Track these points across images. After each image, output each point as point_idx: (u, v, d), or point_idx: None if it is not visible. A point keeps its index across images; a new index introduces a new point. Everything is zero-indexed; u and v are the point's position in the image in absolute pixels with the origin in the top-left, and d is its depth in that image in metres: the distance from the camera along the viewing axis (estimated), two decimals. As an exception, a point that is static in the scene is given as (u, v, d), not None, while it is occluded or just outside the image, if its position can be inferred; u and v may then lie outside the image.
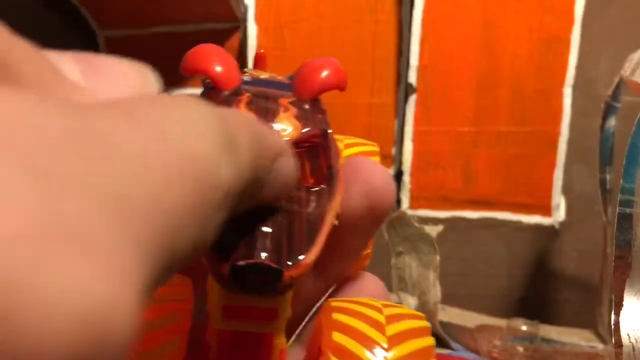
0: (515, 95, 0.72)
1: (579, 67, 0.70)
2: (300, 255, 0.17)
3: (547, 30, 0.70)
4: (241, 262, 0.17)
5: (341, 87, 0.23)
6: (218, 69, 0.21)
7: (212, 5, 0.76)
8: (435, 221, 0.74)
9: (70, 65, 0.12)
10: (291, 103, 0.21)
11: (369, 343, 0.18)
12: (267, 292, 0.17)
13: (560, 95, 0.71)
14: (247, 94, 0.21)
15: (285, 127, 0.20)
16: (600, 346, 0.61)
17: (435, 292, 0.63)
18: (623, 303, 0.32)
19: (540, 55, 0.71)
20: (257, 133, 0.13)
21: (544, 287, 0.74)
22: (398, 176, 0.76)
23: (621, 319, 0.32)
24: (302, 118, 0.20)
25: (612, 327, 0.32)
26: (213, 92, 0.21)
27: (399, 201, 0.76)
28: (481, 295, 0.75)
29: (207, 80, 0.22)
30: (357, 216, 0.20)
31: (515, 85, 0.72)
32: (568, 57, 0.70)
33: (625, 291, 0.32)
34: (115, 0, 0.78)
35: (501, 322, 0.65)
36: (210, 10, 0.77)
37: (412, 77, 0.74)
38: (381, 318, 0.19)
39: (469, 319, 0.68)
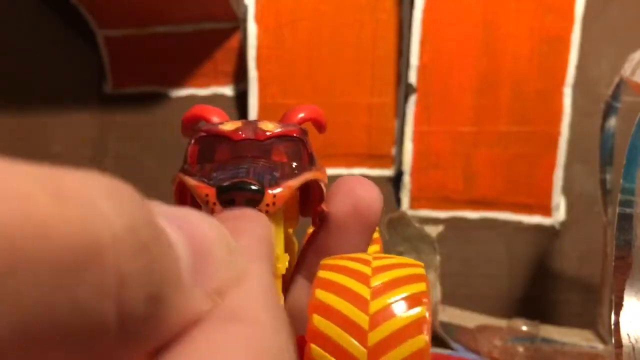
0: (516, 95, 0.72)
1: (580, 67, 0.70)
2: (281, 183, 0.21)
3: (548, 30, 0.70)
4: (226, 183, 0.20)
5: (318, 122, 0.28)
6: (214, 117, 0.25)
7: (211, 4, 0.76)
8: (435, 221, 0.74)
9: (181, 247, 0.12)
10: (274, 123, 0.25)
11: (350, 296, 0.18)
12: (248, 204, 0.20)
13: (560, 95, 0.71)
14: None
15: (267, 124, 0.24)
16: (600, 346, 0.61)
17: (436, 292, 0.63)
18: (623, 303, 0.32)
19: (541, 55, 0.71)
20: None
21: (544, 287, 0.74)
22: (398, 176, 0.76)
23: (621, 319, 0.32)
24: (281, 125, 0.25)
25: (613, 327, 0.32)
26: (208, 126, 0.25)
27: (399, 201, 0.76)
28: (481, 296, 0.75)
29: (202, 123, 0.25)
30: (343, 222, 0.23)
31: (515, 85, 0.72)
32: (568, 56, 0.70)
33: (625, 291, 0.32)
34: (115, 0, 0.78)
35: (501, 323, 0.65)
36: (210, 9, 0.77)
37: (412, 77, 0.74)
38: (368, 270, 0.19)
39: (469, 319, 0.68)
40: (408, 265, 0.20)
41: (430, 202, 0.75)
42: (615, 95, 0.57)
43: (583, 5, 0.69)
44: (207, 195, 0.20)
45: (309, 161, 0.23)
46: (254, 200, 0.20)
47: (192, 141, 0.23)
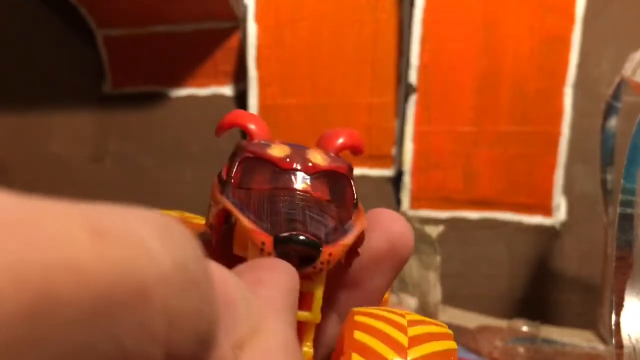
0: (516, 95, 0.72)
1: (580, 67, 0.70)
2: (337, 239, 0.20)
3: (548, 29, 0.70)
4: (285, 234, 0.19)
5: (358, 149, 0.26)
6: (252, 125, 0.24)
7: (211, 4, 0.76)
8: (435, 221, 0.74)
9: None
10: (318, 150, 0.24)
11: (390, 342, 0.19)
12: (305, 266, 0.19)
13: (561, 95, 0.71)
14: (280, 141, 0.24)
15: (316, 156, 0.23)
16: (601, 347, 0.61)
17: (436, 292, 0.62)
18: (624, 304, 0.32)
19: (541, 54, 0.71)
20: None
21: (545, 287, 0.74)
22: (398, 176, 0.76)
23: (622, 319, 0.32)
24: (329, 156, 0.24)
25: (613, 327, 0.32)
26: (249, 143, 0.24)
27: (399, 201, 0.76)
28: (482, 296, 0.75)
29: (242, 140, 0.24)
30: (378, 258, 0.22)
31: (516, 84, 0.72)
32: (569, 56, 0.70)
33: (626, 292, 0.32)
34: (114, 0, 0.78)
35: (502, 323, 0.65)
36: (210, 9, 0.77)
37: (413, 77, 0.73)
38: (403, 321, 0.20)
39: (470, 319, 0.67)
40: (437, 324, 0.21)
41: (430, 202, 0.75)
42: (615, 95, 0.57)
43: (583, 4, 0.69)
44: (263, 243, 0.19)
45: (353, 202, 0.23)
46: (310, 257, 0.19)
47: (238, 160, 0.22)
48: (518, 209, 0.73)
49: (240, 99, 0.81)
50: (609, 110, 0.58)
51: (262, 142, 0.23)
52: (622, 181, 0.33)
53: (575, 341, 0.62)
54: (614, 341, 0.32)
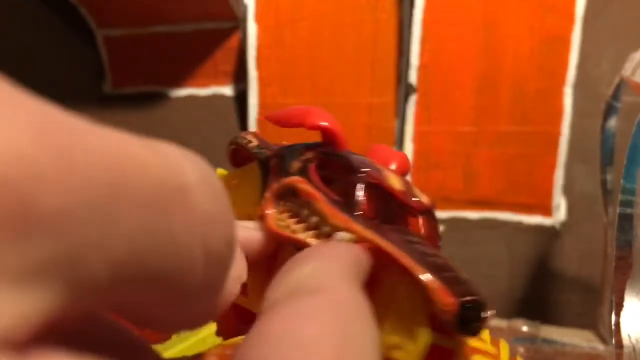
0: (516, 95, 0.72)
1: (580, 67, 0.70)
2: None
3: (548, 29, 0.70)
4: (468, 298, 0.17)
5: (404, 175, 0.25)
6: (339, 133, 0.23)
7: (211, 4, 0.76)
8: (435, 221, 0.74)
9: None
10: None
11: None
12: (474, 331, 0.18)
13: (561, 95, 0.71)
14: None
15: (418, 191, 0.22)
16: (601, 347, 0.61)
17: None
18: (624, 303, 0.32)
19: (541, 54, 0.71)
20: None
21: (545, 287, 0.74)
22: (398, 176, 0.76)
23: (622, 319, 0.32)
24: (427, 197, 0.23)
25: (613, 327, 0.32)
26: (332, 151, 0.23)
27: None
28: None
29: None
30: None
31: (516, 84, 0.72)
32: (569, 56, 0.70)
33: (626, 291, 0.32)
34: (114, 0, 0.78)
35: (502, 323, 0.65)
36: (210, 9, 0.77)
37: (413, 77, 0.73)
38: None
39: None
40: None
41: (431, 202, 0.75)
42: (615, 95, 0.57)
43: (583, 5, 0.69)
44: (448, 305, 0.17)
45: (439, 242, 0.22)
46: (476, 321, 0.18)
47: (362, 186, 0.21)
48: (518, 209, 0.73)
49: (241, 99, 0.81)
50: (609, 110, 0.58)
51: (370, 163, 0.22)
52: (622, 181, 0.33)
53: (575, 341, 0.62)
54: (613, 341, 0.32)
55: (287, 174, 0.22)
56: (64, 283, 0.08)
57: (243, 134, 0.25)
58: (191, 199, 0.10)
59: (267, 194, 0.22)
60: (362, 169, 0.21)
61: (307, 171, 0.21)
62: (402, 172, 0.24)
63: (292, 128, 0.23)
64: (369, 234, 0.19)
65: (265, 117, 0.24)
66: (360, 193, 0.20)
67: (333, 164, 0.23)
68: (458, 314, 0.17)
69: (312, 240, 0.20)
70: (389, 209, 0.21)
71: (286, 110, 0.23)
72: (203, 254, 0.10)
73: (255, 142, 0.24)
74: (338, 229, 0.20)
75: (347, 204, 0.20)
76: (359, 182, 0.21)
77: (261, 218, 0.21)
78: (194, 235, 0.10)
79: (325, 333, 0.11)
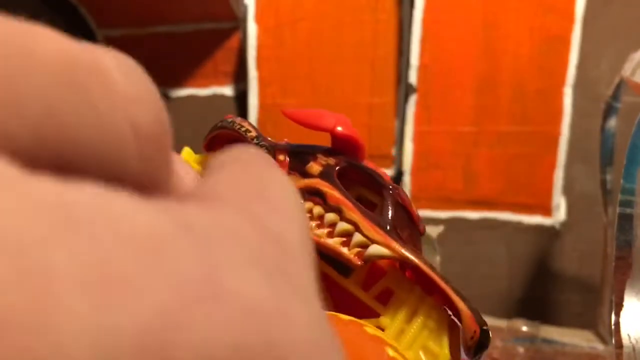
0: (516, 95, 0.72)
1: (580, 67, 0.70)
2: None
3: (548, 29, 0.70)
4: (485, 327, 0.20)
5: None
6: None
7: (211, 4, 0.76)
8: (435, 221, 0.74)
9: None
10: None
11: None
12: (479, 354, 0.20)
13: (560, 95, 0.71)
14: None
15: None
16: (601, 347, 0.61)
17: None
18: (623, 303, 0.32)
19: (541, 54, 0.71)
20: None
21: (545, 287, 0.74)
22: (398, 176, 0.76)
23: (622, 319, 0.32)
24: None
25: (613, 327, 0.32)
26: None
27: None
28: (482, 296, 0.75)
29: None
30: None
31: (515, 85, 0.72)
32: (569, 56, 0.70)
33: (625, 291, 0.32)
34: (114, 0, 0.78)
35: (502, 323, 0.65)
36: (210, 9, 0.77)
37: (413, 77, 0.73)
38: None
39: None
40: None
41: (430, 202, 0.75)
42: (615, 96, 0.57)
43: (583, 5, 0.69)
44: (474, 332, 0.20)
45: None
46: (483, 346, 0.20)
47: (391, 202, 0.22)
48: (518, 209, 0.73)
49: (241, 99, 0.81)
50: (609, 111, 0.58)
51: (386, 179, 0.23)
52: (621, 181, 0.33)
53: (575, 341, 0.62)
54: (613, 341, 0.32)
55: (305, 174, 0.22)
56: None
57: (238, 120, 0.25)
58: (110, 78, 0.10)
59: None
60: (391, 186, 0.22)
61: (331, 176, 0.22)
62: None
63: (313, 130, 0.23)
64: (409, 255, 0.20)
65: (284, 113, 0.24)
66: (390, 210, 0.21)
67: (352, 174, 0.23)
68: (479, 339, 0.19)
69: (326, 241, 0.21)
70: (406, 228, 0.22)
71: (309, 111, 0.24)
72: (132, 132, 0.10)
73: (254, 133, 0.24)
74: (375, 242, 0.20)
75: (377, 216, 0.21)
76: (389, 199, 0.21)
77: None
78: (117, 111, 0.10)
79: (240, 178, 0.12)
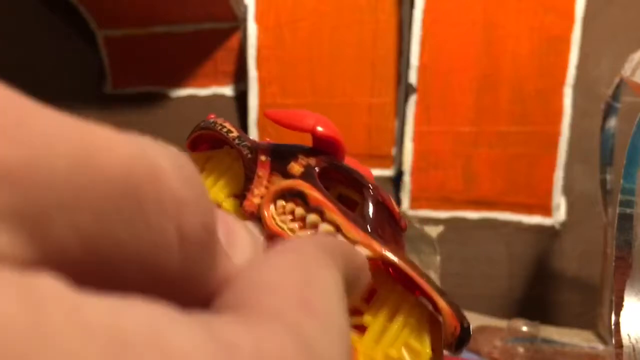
0: (516, 95, 0.72)
1: (580, 67, 0.70)
2: None
3: (548, 30, 0.70)
4: (465, 323, 0.20)
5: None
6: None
7: (211, 4, 0.76)
8: (435, 221, 0.74)
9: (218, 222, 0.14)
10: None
11: None
12: (459, 349, 0.21)
13: (560, 95, 0.71)
14: None
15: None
16: (600, 347, 0.61)
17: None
18: (623, 303, 0.32)
19: (541, 55, 0.71)
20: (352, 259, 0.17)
21: (545, 287, 0.74)
22: (398, 176, 0.76)
23: (622, 319, 0.32)
24: None
25: (613, 327, 0.32)
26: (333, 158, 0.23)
27: (399, 201, 0.76)
28: (481, 296, 0.75)
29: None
30: None
31: (515, 85, 0.72)
32: (568, 57, 0.70)
33: (625, 291, 0.32)
34: (114, 0, 0.78)
35: (502, 323, 0.65)
36: (210, 9, 0.77)
37: (412, 77, 0.73)
38: None
39: (470, 319, 0.67)
40: None
41: (430, 202, 0.75)
42: (615, 96, 0.57)
43: (583, 5, 0.69)
44: (455, 328, 0.20)
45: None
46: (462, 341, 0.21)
47: (372, 202, 0.22)
48: (518, 209, 0.73)
49: (241, 99, 0.81)
50: (609, 111, 0.58)
51: (367, 178, 0.23)
52: (621, 181, 0.33)
53: (574, 341, 0.62)
54: (613, 341, 0.32)
55: (287, 175, 0.22)
56: (28, 235, 0.08)
57: (220, 120, 0.25)
58: (164, 183, 0.10)
59: (267, 193, 0.22)
60: (371, 185, 0.22)
61: (312, 177, 0.22)
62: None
63: (292, 130, 0.23)
64: (389, 255, 0.20)
65: (266, 114, 0.24)
66: (371, 209, 0.21)
67: (332, 174, 0.23)
68: (460, 336, 0.20)
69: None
70: (387, 227, 0.22)
71: (289, 112, 0.24)
72: (178, 237, 0.10)
73: (235, 133, 0.24)
74: (356, 242, 0.21)
75: (357, 217, 0.21)
76: (369, 198, 0.22)
77: (257, 216, 0.22)
78: (166, 217, 0.10)
79: (287, 276, 0.12)
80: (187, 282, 0.11)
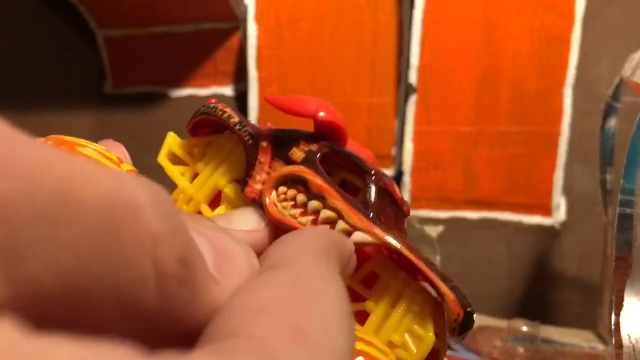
0: (516, 95, 0.72)
1: (580, 67, 0.70)
2: None
3: (548, 30, 0.70)
4: (469, 309, 0.20)
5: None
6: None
7: (211, 4, 0.76)
8: (435, 221, 0.74)
9: (205, 249, 0.14)
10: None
11: None
12: (465, 335, 0.20)
13: (560, 95, 0.71)
14: None
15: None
16: (600, 347, 0.61)
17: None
18: (623, 303, 0.32)
19: (541, 55, 0.71)
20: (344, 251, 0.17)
21: (545, 287, 0.74)
22: (398, 176, 0.76)
23: (622, 319, 0.32)
24: None
25: (613, 327, 0.32)
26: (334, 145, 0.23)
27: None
28: (481, 296, 0.75)
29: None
30: None
31: (515, 85, 0.72)
32: (568, 57, 0.70)
33: (625, 291, 0.32)
34: (114, 0, 0.78)
35: (502, 323, 0.65)
36: (210, 9, 0.77)
37: (412, 77, 0.73)
38: None
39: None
40: None
41: (430, 202, 0.75)
42: (615, 96, 0.57)
43: (583, 5, 0.69)
44: (458, 314, 0.20)
45: None
46: (466, 326, 0.21)
47: (374, 187, 0.22)
48: (518, 209, 0.73)
49: (241, 99, 0.81)
50: (609, 111, 0.58)
51: (369, 163, 0.23)
52: (621, 181, 0.33)
53: (574, 341, 0.62)
54: (613, 341, 0.32)
55: (289, 161, 0.22)
56: (2, 275, 0.08)
57: (221, 105, 0.25)
58: (141, 217, 0.10)
59: (268, 180, 0.22)
60: (373, 171, 0.22)
61: (314, 163, 0.22)
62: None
63: (294, 116, 0.23)
64: (391, 241, 0.20)
65: (267, 99, 0.24)
66: (373, 195, 0.21)
67: (334, 159, 0.23)
68: (463, 321, 0.19)
69: (311, 227, 0.21)
70: (390, 213, 0.22)
71: (290, 97, 0.23)
72: (154, 271, 0.10)
73: (236, 118, 0.24)
74: (358, 229, 0.20)
75: (359, 203, 0.21)
76: (371, 184, 0.21)
77: (259, 203, 0.22)
78: (143, 251, 0.10)
79: (280, 298, 0.12)
80: (165, 316, 0.11)
